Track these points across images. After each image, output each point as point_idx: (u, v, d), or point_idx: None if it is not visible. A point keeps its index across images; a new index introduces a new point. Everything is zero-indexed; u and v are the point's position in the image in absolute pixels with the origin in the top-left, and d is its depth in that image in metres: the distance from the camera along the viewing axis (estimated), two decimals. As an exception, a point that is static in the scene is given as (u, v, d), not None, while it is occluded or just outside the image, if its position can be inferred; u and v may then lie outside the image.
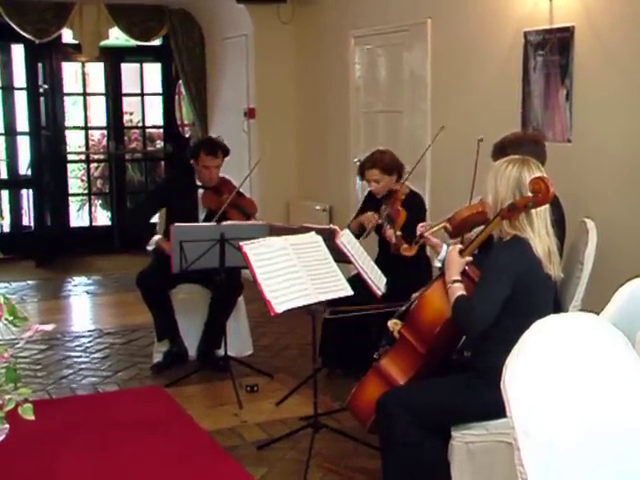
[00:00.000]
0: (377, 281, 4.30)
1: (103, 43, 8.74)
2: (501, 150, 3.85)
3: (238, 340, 5.47)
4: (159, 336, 5.41)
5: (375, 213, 4.91)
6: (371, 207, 5.06)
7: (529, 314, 2.93)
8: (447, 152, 5.92)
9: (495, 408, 2.53)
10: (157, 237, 5.21)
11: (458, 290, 3.11)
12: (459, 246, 3.28)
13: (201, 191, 5.39)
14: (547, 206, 3.10)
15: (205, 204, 5.36)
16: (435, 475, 3.16)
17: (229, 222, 4.94)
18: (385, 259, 4.89)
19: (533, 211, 3.06)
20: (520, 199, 3.03)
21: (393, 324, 3.38)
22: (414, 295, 3.45)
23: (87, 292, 7.89)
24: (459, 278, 3.15)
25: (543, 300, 3.13)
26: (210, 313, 5.34)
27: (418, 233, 3.73)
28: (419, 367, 3.30)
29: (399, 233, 4.58)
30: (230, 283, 5.09)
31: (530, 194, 3.02)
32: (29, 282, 8.18)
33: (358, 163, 6.95)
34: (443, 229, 3.83)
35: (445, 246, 3.61)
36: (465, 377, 3.16)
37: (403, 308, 3.43)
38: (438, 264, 3.53)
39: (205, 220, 5.32)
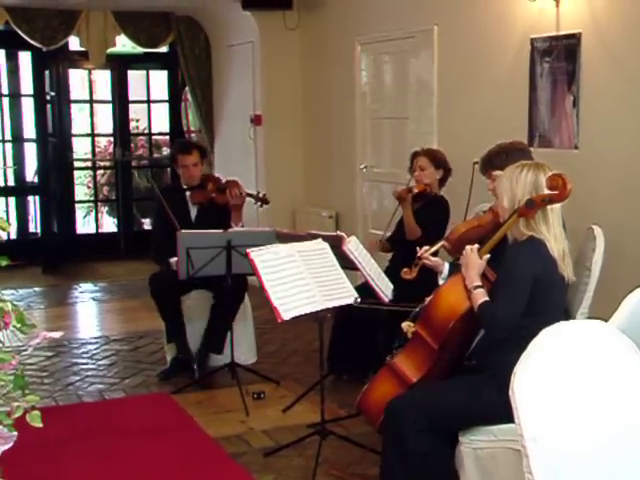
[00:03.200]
0: (384, 288, 4.29)
1: (110, 50, 8.77)
2: (489, 162, 3.85)
3: (245, 348, 5.45)
4: (169, 339, 5.40)
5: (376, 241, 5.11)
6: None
7: (543, 314, 2.97)
8: (453, 159, 5.91)
9: (506, 410, 2.53)
10: (173, 259, 5.13)
11: (481, 296, 3.12)
12: (476, 245, 3.26)
13: (189, 194, 5.44)
14: (560, 207, 3.10)
15: (193, 201, 5.43)
16: None
17: (235, 229, 4.96)
18: (395, 269, 4.90)
19: (549, 210, 3.07)
20: (537, 195, 3.05)
21: (407, 326, 3.37)
22: (428, 299, 3.44)
23: (93, 299, 7.90)
24: (480, 283, 3.16)
25: (557, 300, 3.16)
26: (212, 316, 5.30)
27: (418, 255, 3.69)
28: (432, 364, 3.28)
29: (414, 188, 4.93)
30: (235, 286, 5.06)
31: (547, 191, 3.03)
32: (35, 289, 8.19)
33: (365, 169, 6.99)
34: (442, 248, 3.81)
35: (447, 264, 3.60)
36: (477, 379, 3.16)
37: (417, 309, 3.42)
38: (442, 282, 3.52)
39: (197, 217, 5.37)
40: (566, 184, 3.00)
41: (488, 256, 3.23)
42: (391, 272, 4.60)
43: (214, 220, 5.17)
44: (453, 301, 3.22)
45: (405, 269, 3.73)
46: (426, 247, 3.69)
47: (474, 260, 3.20)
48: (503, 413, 2.86)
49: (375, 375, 3.44)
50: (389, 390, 3.24)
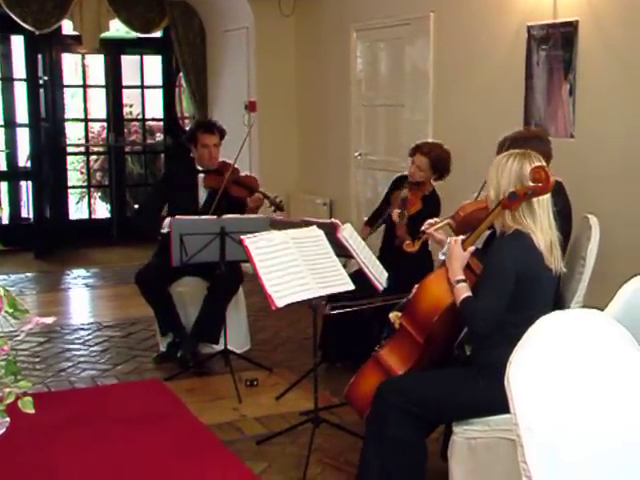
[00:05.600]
0: (378, 275, 4.29)
1: (103, 35, 8.71)
2: (507, 147, 3.82)
3: (237, 335, 5.44)
4: (162, 332, 5.39)
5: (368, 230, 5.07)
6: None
7: (530, 308, 2.94)
8: (449, 146, 5.90)
9: (496, 403, 2.52)
10: (168, 219, 5.19)
11: (463, 291, 3.08)
12: (461, 237, 3.25)
13: (201, 176, 5.39)
14: (549, 198, 3.08)
15: (207, 185, 5.36)
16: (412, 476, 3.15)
17: (230, 215, 4.92)
18: (388, 253, 4.90)
19: (535, 202, 3.04)
20: (520, 187, 3.03)
21: (395, 316, 3.36)
22: (416, 287, 3.43)
23: (86, 285, 7.87)
24: (463, 277, 3.12)
25: (544, 294, 3.12)
26: (205, 306, 5.24)
27: (422, 229, 3.69)
28: (418, 357, 3.28)
29: (405, 220, 4.76)
30: (229, 274, 5.05)
31: (531, 183, 3.01)
32: (28, 274, 8.16)
33: (359, 157, 6.96)
34: (447, 226, 3.79)
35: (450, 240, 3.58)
36: (466, 371, 3.15)
37: (404, 300, 3.41)
38: (442, 257, 3.50)
39: (207, 200, 5.30)
40: (549, 177, 2.98)
41: (472, 248, 3.20)
42: (384, 258, 4.59)
43: (225, 210, 5.07)
44: (437, 295, 3.19)
45: (407, 242, 3.74)
46: (431, 221, 3.68)
47: (457, 252, 3.17)
48: (491, 406, 2.88)
49: (362, 367, 3.43)
50: (376, 383, 3.23)
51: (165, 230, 5.09)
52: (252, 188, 5.36)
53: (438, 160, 4.91)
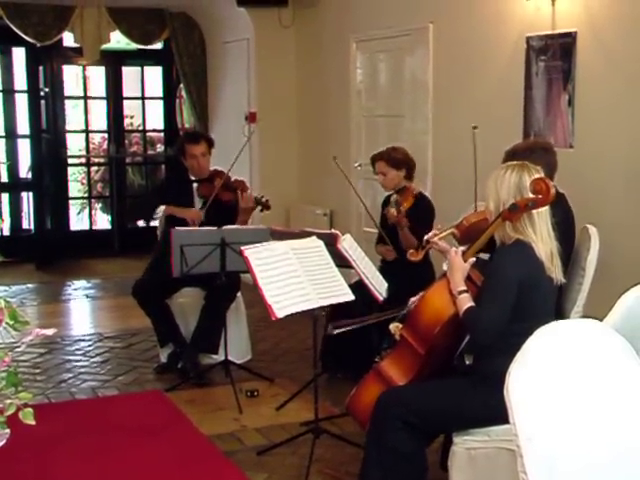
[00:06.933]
0: (378, 286, 4.29)
1: (104, 46, 8.75)
2: (513, 156, 3.83)
3: (238, 346, 5.44)
4: (161, 343, 5.40)
5: (390, 248, 4.94)
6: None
7: (531, 318, 2.94)
8: (448, 156, 5.92)
9: (496, 413, 2.52)
10: (162, 207, 5.19)
11: (466, 302, 3.09)
12: (462, 248, 3.26)
13: (196, 185, 5.40)
14: (548, 208, 3.10)
15: (200, 194, 5.37)
16: None
17: (230, 226, 4.93)
18: (389, 264, 4.89)
19: (535, 213, 3.06)
20: (521, 199, 3.04)
21: (395, 327, 3.36)
22: (412, 300, 3.44)
23: (87, 296, 7.88)
24: (465, 288, 3.13)
25: (545, 304, 3.13)
26: (203, 316, 5.24)
27: (426, 238, 3.70)
28: (419, 369, 3.28)
29: (403, 215, 4.70)
30: (226, 283, 5.04)
31: (531, 195, 3.02)
32: (29, 285, 8.16)
33: (359, 168, 6.98)
34: (451, 235, 3.80)
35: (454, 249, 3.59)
36: (467, 381, 3.15)
37: (405, 311, 3.41)
38: (446, 267, 3.50)
39: (201, 209, 5.32)
40: (549, 188, 3.00)
41: (473, 259, 3.21)
42: (385, 269, 4.58)
43: (219, 217, 5.11)
44: (439, 306, 3.20)
45: (411, 250, 3.76)
46: (435, 231, 3.70)
47: (458, 263, 3.18)
48: (494, 416, 2.88)
49: (363, 379, 3.43)
50: (377, 394, 3.22)
51: (158, 215, 5.09)
52: (235, 188, 5.32)
53: (392, 157, 4.96)
